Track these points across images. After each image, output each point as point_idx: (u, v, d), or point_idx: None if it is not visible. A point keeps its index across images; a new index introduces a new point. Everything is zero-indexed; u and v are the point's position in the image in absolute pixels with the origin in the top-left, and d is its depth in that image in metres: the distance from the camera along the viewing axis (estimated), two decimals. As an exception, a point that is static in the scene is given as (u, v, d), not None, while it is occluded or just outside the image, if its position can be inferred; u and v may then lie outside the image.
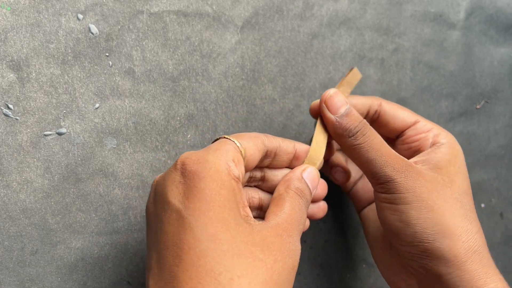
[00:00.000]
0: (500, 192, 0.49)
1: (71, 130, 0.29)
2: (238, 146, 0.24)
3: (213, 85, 0.34)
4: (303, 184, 0.27)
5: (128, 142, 0.31)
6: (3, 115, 0.27)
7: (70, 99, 0.29)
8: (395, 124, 0.32)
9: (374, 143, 0.27)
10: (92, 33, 0.30)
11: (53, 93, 0.29)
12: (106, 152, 0.30)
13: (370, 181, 0.29)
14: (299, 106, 0.37)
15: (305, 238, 0.38)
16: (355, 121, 0.28)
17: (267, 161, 0.28)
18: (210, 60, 0.33)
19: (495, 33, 0.47)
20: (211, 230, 0.21)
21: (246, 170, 0.26)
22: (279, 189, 0.27)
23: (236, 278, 0.20)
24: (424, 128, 0.31)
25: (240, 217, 0.22)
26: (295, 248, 0.24)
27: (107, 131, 0.30)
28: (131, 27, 0.31)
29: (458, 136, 0.45)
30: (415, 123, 0.31)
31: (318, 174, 0.29)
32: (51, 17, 0.28)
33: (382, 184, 0.27)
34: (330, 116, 0.28)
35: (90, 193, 0.30)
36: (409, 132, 0.31)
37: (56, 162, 0.29)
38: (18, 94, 0.28)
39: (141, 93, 0.31)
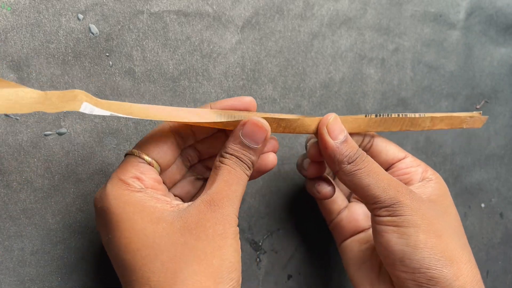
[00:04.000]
0: (500, 192, 0.49)
1: (71, 130, 0.29)
2: (142, 158, 0.25)
3: (214, 85, 0.34)
4: (238, 146, 0.26)
5: (128, 142, 0.31)
6: (3, 115, 0.27)
7: (70, 99, 0.29)
8: (387, 155, 0.32)
9: (373, 168, 0.27)
10: (92, 33, 0.30)
11: (53, 93, 0.29)
12: (106, 152, 0.30)
13: (370, 207, 0.28)
14: (300, 106, 0.37)
15: (306, 238, 0.38)
16: (354, 148, 0.28)
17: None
18: (211, 60, 0.33)
19: (495, 33, 0.47)
20: (140, 252, 0.22)
21: (166, 166, 0.27)
22: (216, 159, 0.26)
23: (182, 283, 0.21)
24: (413, 163, 0.31)
25: (159, 218, 0.23)
26: (229, 218, 0.23)
27: (107, 131, 0.30)
28: (131, 27, 0.31)
29: (458, 136, 0.45)
30: (404, 157, 0.32)
31: (263, 123, 0.26)
32: (51, 17, 0.28)
33: (388, 207, 0.27)
34: (330, 141, 0.27)
35: (90, 193, 0.30)
36: (399, 165, 0.32)
37: (56, 162, 0.29)
38: (18, 94, 0.28)
39: (141, 93, 0.31)
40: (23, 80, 0.28)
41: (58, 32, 0.29)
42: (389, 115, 0.30)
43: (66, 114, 0.29)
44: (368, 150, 0.32)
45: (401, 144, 0.42)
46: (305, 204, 0.38)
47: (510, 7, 0.47)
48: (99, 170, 0.30)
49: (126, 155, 0.26)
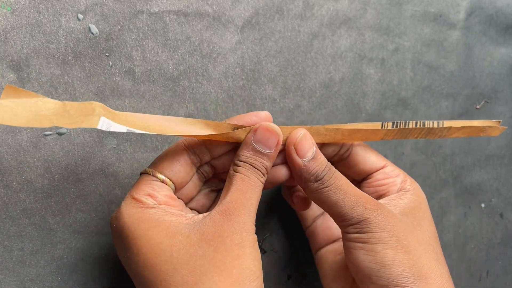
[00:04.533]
0: (500, 192, 0.49)
1: (71, 130, 0.29)
2: (155, 176, 0.25)
3: (213, 85, 0.34)
4: (251, 153, 0.25)
5: (128, 142, 0.31)
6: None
7: (70, 99, 0.29)
8: (365, 165, 0.31)
9: (341, 185, 0.27)
10: (92, 33, 0.30)
11: (53, 93, 0.29)
12: (106, 152, 0.30)
13: (339, 224, 0.28)
14: (299, 106, 0.37)
15: (306, 238, 0.38)
16: (322, 165, 0.27)
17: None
18: (210, 60, 0.33)
19: (495, 33, 0.47)
20: (159, 267, 0.22)
21: (181, 185, 0.27)
22: (230, 169, 0.26)
23: None
24: (392, 173, 0.31)
25: (175, 232, 0.23)
26: (246, 227, 0.23)
27: (107, 131, 0.30)
28: (131, 27, 0.31)
29: (458, 136, 0.46)
30: (383, 167, 0.31)
31: (274, 128, 0.26)
32: (51, 17, 0.28)
33: (355, 225, 0.26)
34: (298, 160, 0.27)
35: (90, 193, 0.30)
36: (377, 175, 0.31)
37: (56, 162, 0.29)
38: (18, 94, 0.28)
39: (141, 93, 0.31)
40: (23, 80, 0.28)
41: (58, 32, 0.29)
42: (407, 124, 0.30)
43: (66, 114, 0.29)
44: (345, 159, 0.31)
45: (401, 143, 0.42)
46: (305, 204, 0.38)
47: (510, 7, 0.47)
48: (99, 170, 0.30)
49: (141, 174, 0.26)
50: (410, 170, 0.43)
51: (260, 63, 0.35)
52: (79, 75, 0.29)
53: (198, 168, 0.28)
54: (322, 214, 0.34)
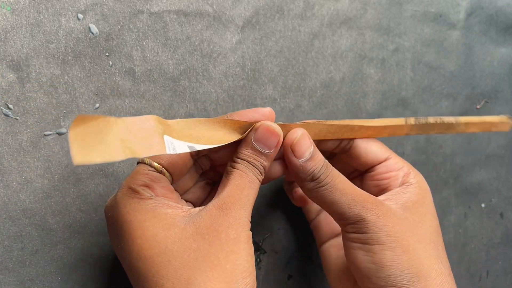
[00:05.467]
0: (500, 192, 0.49)
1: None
2: (153, 166, 0.25)
3: (214, 85, 0.34)
4: (250, 151, 0.25)
5: (128, 142, 0.31)
6: (3, 115, 0.27)
7: (70, 99, 0.29)
8: (367, 158, 0.31)
9: (337, 183, 0.26)
10: (92, 33, 0.29)
11: (53, 93, 0.29)
12: (106, 152, 0.30)
13: (338, 222, 0.27)
14: (300, 106, 0.37)
15: (306, 238, 0.38)
16: (318, 165, 0.26)
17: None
18: (211, 59, 0.33)
19: (495, 33, 0.47)
20: (153, 258, 0.22)
21: (178, 177, 0.26)
22: (228, 165, 0.26)
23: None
24: (395, 166, 0.30)
25: (171, 224, 0.23)
26: (242, 222, 0.23)
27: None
28: (131, 27, 0.31)
29: (458, 136, 0.45)
30: (386, 159, 0.31)
31: (275, 128, 0.26)
32: (51, 17, 0.28)
33: (352, 224, 0.26)
34: (294, 161, 0.26)
35: (90, 193, 0.30)
36: (379, 169, 0.31)
37: (56, 162, 0.29)
38: (18, 94, 0.28)
39: (141, 93, 0.31)
40: (23, 80, 0.28)
41: (58, 32, 0.28)
42: (427, 120, 0.31)
43: (66, 113, 0.29)
44: (347, 151, 0.31)
45: (401, 143, 0.42)
46: (305, 204, 0.38)
47: (510, 7, 0.47)
48: (99, 170, 0.30)
49: (138, 163, 0.26)
50: (410, 170, 0.43)
51: (260, 62, 0.35)
52: (79, 75, 0.29)
53: (195, 160, 0.28)
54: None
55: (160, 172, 0.25)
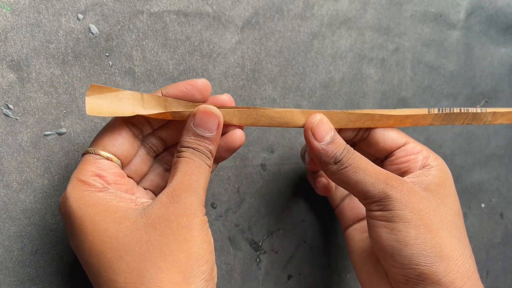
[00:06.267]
0: (500, 192, 0.49)
1: (71, 130, 0.29)
2: (99, 154, 0.24)
3: (213, 85, 0.34)
4: (192, 138, 0.25)
5: (128, 142, 0.31)
6: (3, 115, 0.27)
7: (70, 99, 0.29)
8: (385, 144, 0.31)
9: (360, 163, 0.27)
10: (92, 33, 0.30)
11: (53, 93, 0.29)
12: (106, 152, 0.30)
13: (362, 202, 0.28)
14: (300, 106, 0.37)
15: (306, 238, 0.38)
16: (340, 147, 0.27)
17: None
18: (210, 60, 0.33)
19: (495, 33, 0.47)
20: (104, 254, 0.22)
21: (127, 159, 0.26)
22: (174, 156, 0.25)
23: (151, 279, 0.21)
24: (414, 150, 0.30)
25: (122, 217, 0.22)
26: (193, 208, 0.23)
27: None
28: (131, 27, 0.31)
29: (458, 136, 0.45)
30: (405, 144, 0.31)
31: (212, 109, 0.25)
32: (51, 17, 0.28)
33: (377, 202, 0.26)
34: (316, 144, 0.27)
35: (90, 193, 0.30)
36: (398, 153, 0.31)
37: (56, 162, 0.29)
38: (18, 94, 0.28)
39: (141, 93, 0.31)
40: (23, 80, 0.28)
41: (58, 32, 0.29)
42: (452, 110, 0.31)
43: (66, 114, 0.29)
44: (365, 139, 0.31)
45: (401, 144, 0.42)
46: (305, 204, 0.38)
47: (510, 7, 0.47)
48: (99, 170, 0.30)
49: (83, 155, 0.25)
50: (410, 170, 0.43)
51: (260, 63, 0.35)
52: (79, 75, 0.29)
53: (144, 142, 0.27)
54: (348, 194, 0.35)
55: (108, 159, 0.25)
